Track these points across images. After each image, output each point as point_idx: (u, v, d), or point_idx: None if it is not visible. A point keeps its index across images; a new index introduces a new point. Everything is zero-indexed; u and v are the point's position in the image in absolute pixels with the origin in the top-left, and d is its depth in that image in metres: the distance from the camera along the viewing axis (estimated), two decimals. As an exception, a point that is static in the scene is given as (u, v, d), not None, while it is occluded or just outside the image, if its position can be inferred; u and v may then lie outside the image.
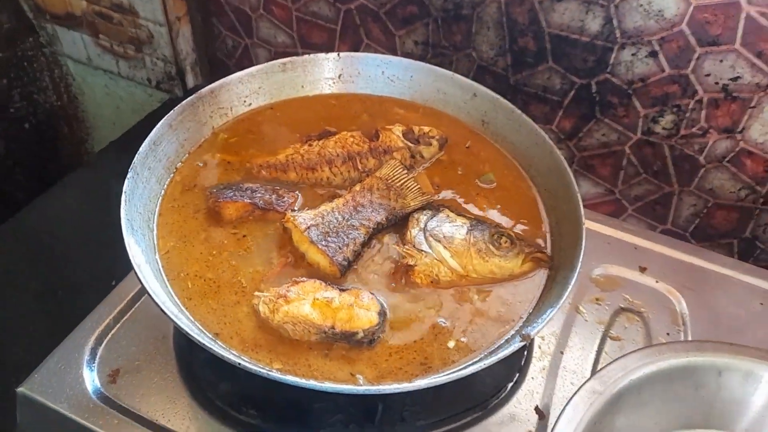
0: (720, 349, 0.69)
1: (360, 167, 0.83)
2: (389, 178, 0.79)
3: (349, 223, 0.74)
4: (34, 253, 1.16)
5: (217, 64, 1.42)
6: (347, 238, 0.72)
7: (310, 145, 0.83)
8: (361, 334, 0.65)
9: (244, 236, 0.76)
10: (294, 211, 0.76)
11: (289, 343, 0.66)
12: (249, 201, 0.77)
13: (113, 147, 1.38)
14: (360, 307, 0.65)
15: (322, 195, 0.81)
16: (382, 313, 0.67)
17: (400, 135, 0.85)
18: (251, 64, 1.35)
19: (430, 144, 0.86)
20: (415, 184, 0.80)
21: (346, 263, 0.71)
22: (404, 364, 0.65)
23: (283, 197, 0.78)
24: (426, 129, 0.87)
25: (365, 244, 0.74)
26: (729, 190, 1.03)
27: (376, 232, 0.76)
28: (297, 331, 0.65)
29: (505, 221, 0.81)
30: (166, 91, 1.45)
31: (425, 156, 0.87)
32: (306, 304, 0.65)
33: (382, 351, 0.66)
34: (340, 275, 0.71)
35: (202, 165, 0.84)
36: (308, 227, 0.72)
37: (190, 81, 1.42)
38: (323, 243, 0.71)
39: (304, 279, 0.69)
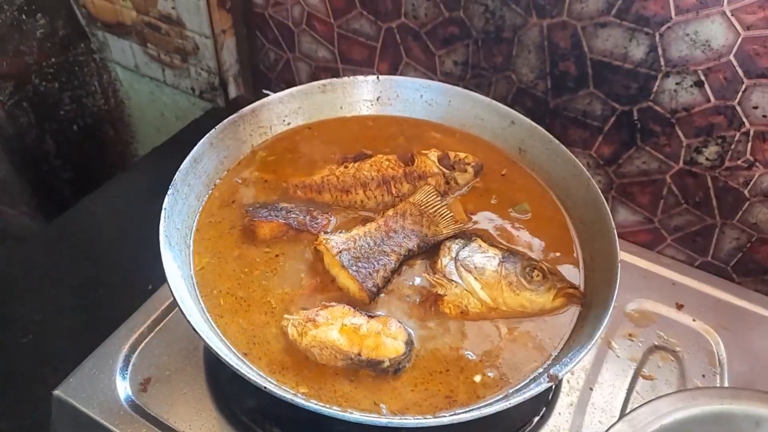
0: (757, 398, 0.67)
1: (394, 191, 0.84)
2: (422, 204, 0.79)
3: (380, 248, 0.74)
4: (78, 252, 1.19)
5: (259, 76, 1.45)
6: (378, 264, 0.72)
7: (346, 167, 0.84)
8: (387, 363, 0.65)
9: (277, 256, 0.77)
10: (327, 233, 0.76)
11: (316, 368, 0.67)
12: (283, 221, 0.78)
13: (157, 152, 1.41)
14: (387, 336, 0.65)
15: (355, 218, 0.82)
16: (408, 343, 0.67)
17: (435, 160, 0.85)
18: (292, 77, 1.38)
19: (465, 170, 0.85)
20: (448, 211, 0.80)
21: (375, 290, 0.71)
22: (429, 395, 0.65)
23: (317, 219, 0.79)
24: (462, 155, 0.87)
25: (395, 270, 0.74)
26: (774, 226, 1.00)
27: (407, 258, 0.76)
28: (324, 356, 0.66)
29: (537, 254, 0.80)
30: (209, 100, 1.49)
31: (460, 182, 0.87)
32: (334, 329, 0.65)
33: (408, 381, 0.66)
34: (369, 301, 0.71)
35: (240, 182, 0.85)
36: (340, 251, 0.72)
37: (233, 91, 1.45)
38: (354, 268, 0.71)
39: (334, 304, 0.69)
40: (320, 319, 0.66)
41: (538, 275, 0.72)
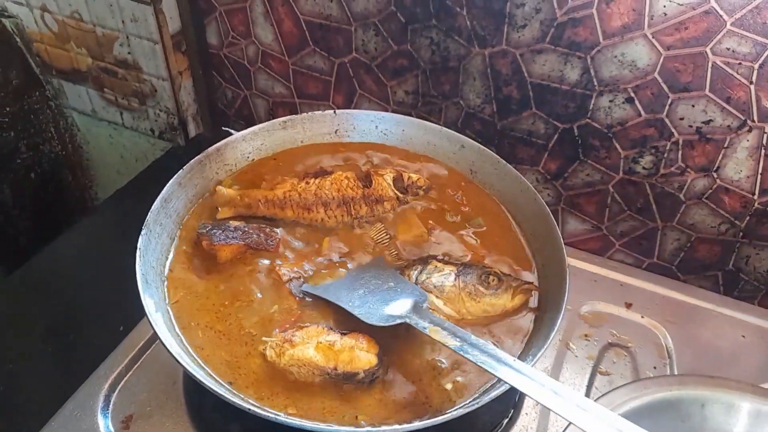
0: (702, 382, 0.73)
1: (353, 213, 0.89)
2: (374, 240, 0.87)
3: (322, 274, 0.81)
4: (44, 299, 1.19)
5: (217, 114, 1.48)
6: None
7: (307, 183, 0.89)
8: (361, 375, 0.69)
9: (243, 283, 0.80)
10: (279, 262, 0.82)
11: (302, 389, 0.70)
12: (242, 242, 0.82)
13: (120, 194, 1.42)
14: (360, 350, 0.70)
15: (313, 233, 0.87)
16: (380, 355, 0.72)
17: (391, 183, 0.91)
18: (250, 113, 1.43)
19: (418, 194, 0.92)
20: (394, 249, 0.87)
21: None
22: (407, 404, 0.69)
23: (270, 236, 0.84)
24: (414, 177, 0.94)
25: None
26: (710, 225, 1.08)
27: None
28: (302, 373, 0.70)
29: (495, 265, 0.86)
30: (169, 140, 1.51)
31: (410, 202, 0.94)
32: (310, 347, 0.70)
33: (387, 392, 0.70)
34: None
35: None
36: (290, 279, 0.78)
37: (192, 130, 1.48)
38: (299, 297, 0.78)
39: (308, 324, 0.74)
40: (296, 339, 0.70)
41: (493, 280, 0.77)
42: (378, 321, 0.73)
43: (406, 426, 0.63)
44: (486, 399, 0.65)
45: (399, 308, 0.74)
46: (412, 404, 0.70)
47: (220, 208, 0.87)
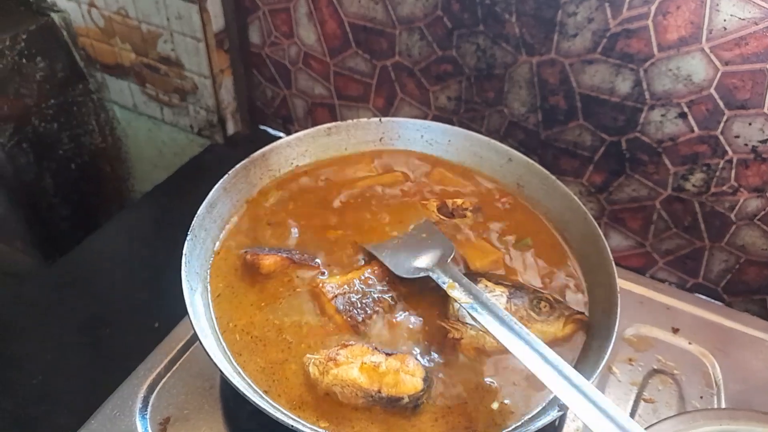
0: (754, 417, 0.70)
1: None
2: None
3: (372, 293, 0.79)
4: (82, 291, 1.21)
5: (256, 113, 1.48)
6: (370, 309, 0.77)
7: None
8: (406, 400, 0.68)
9: (281, 290, 0.80)
10: (323, 274, 0.81)
11: (335, 404, 0.69)
12: (286, 255, 0.82)
13: (158, 190, 1.44)
14: (406, 373, 0.68)
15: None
16: (426, 379, 0.70)
17: (435, 211, 0.90)
18: (288, 113, 1.42)
19: (465, 216, 0.90)
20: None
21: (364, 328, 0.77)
22: (448, 429, 0.68)
23: (313, 257, 0.84)
24: (459, 201, 0.92)
25: (389, 312, 0.79)
26: (761, 248, 1.04)
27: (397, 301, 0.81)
28: (345, 394, 0.68)
29: (543, 285, 0.83)
30: (207, 137, 1.52)
31: (462, 228, 0.91)
32: (354, 367, 0.68)
33: (427, 417, 0.69)
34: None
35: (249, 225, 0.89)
36: (335, 296, 0.77)
37: (231, 128, 1.48)
38: (347, 315, 0.76)
39: (353, 342, 0.72)
40: (341, 358, 0.68)
41: (545, 306, 0.75)
42: (405, 273, 0.78)
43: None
44: (530, 428, 0.63)
45: (426, 261, 0.79)
46: (454, 429, 0.68)
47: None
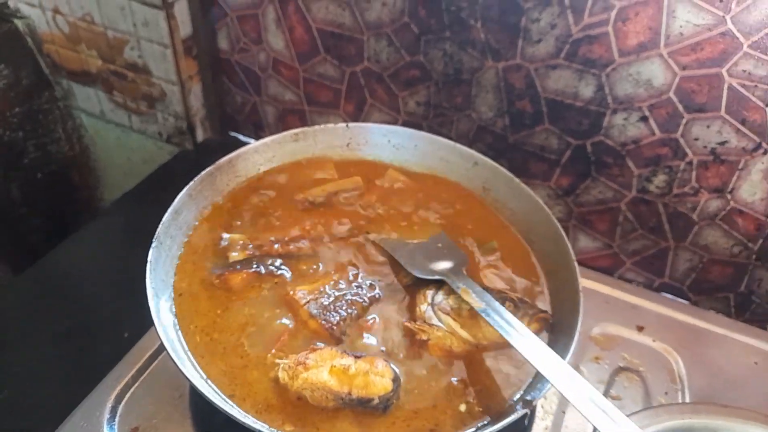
0: (715, 411, 0.72)
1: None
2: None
3: (344, 297, 0.80)
4: (52, 302, 1.19)
5: (226, 119, 1.48)
6: (344, 312, 0.78)
7: (314, 224, 0.89)
8: (376, 401, 0.68)
9: (249, 296, 0.80)
10: (292, 283, 0.81)
11: (302, 406, 0.69)
12: (253, 271, 0.82)
13: (127, 197, 1.42)
14: (375, 374, 0.68)
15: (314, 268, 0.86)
16: (396, 380, 0.71)
17: None
18: (259, 119, 1.42)
19: None
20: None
21: (340, 335, 0.77)
22: (414, 430, 0.68)
23: (280, 267, 0.84)
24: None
25: (360, 316, 0.80)
26: (723, 246, 1.07)
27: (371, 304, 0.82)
28: (315, 397, 0.69)
29: (508, 287, 0.85)
30: (176, 144, 1.51)
31: None
32: (324, 371, 0.69)
33: (395, 418, 0.69)
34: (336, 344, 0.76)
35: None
36: (308, 302, 0.77)
37: (200, 135, 1.47)
38: (323, 318, 0.77)
39: (322, 345, 0.73)
40: (310, 361, 0.69)
41: (510, 306, 0.76)
42: (420, 273, 0.82)
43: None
44: (496, 427, 0.64)
45: (441, 266, 0.83)
46: (420, 430, 0.69)
47: (230, 255, 0.85)
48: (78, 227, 1.38)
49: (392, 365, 0.73)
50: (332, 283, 0.81)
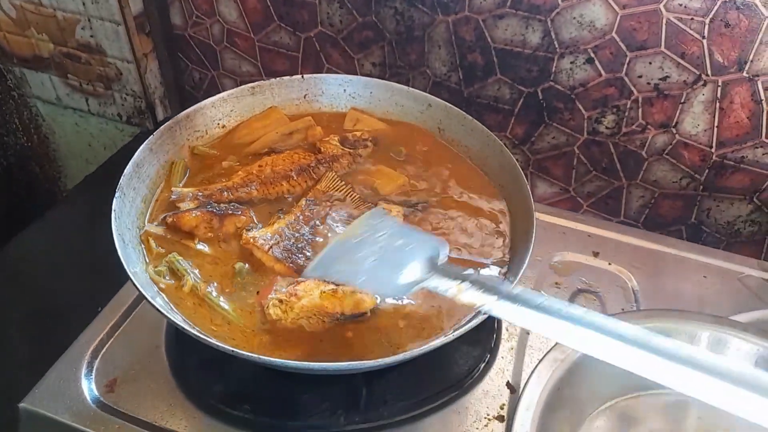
0: (666, 315, 0.77)
1: (315, 177, 0.92)
2: (328, 189, 0.88)
3: (305, 237, 0.82)
4: (19, 286, 1.18)
5: (185, 96, 1.48)
6: (308, 253, 0.80)
7: (261, 167, 0.90)
8: (368, 314, 0.75)
9: (212, 251, 0.82)
10: (249, 229, 0.82)
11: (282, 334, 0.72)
12: (205, 210, 0.82)
13: (89, 181, 1.41)
14: (361, 293, 0.74)
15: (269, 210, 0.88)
16: None
17: (338, 144, 0.95)
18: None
19: (367, 146, 0.97)
20: (355, 193, 0.89)
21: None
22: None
23: (236, 207, 0.85)
24: (358, 133, 0.98)
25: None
26: (671, 180, 1.12)
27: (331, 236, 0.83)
28: (312, 323, 0.73)
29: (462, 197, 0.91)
30: (137, 125, 1.50)
31: (364, 156, 0.97)
32: (316, 297, 0.73)
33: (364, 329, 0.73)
34: None
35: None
36: (270, 247, 0.79)
37: (160, 114, 1.47)
38: (289, 261, 0.79)
39: (302, 279, 0.75)
40: (300, 292, 0.73)
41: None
42: (394, 293, 0.70)
43: (391, 359, 0.65)
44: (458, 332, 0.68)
45: (414, 271, 0.63)
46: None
47: (181, 205, 0.85)
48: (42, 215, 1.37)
49: None
50: (289, 223, 0.82)
